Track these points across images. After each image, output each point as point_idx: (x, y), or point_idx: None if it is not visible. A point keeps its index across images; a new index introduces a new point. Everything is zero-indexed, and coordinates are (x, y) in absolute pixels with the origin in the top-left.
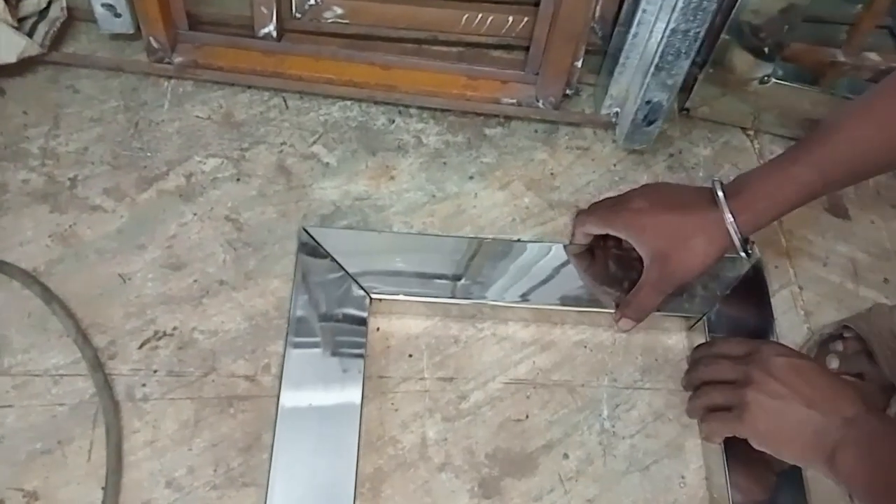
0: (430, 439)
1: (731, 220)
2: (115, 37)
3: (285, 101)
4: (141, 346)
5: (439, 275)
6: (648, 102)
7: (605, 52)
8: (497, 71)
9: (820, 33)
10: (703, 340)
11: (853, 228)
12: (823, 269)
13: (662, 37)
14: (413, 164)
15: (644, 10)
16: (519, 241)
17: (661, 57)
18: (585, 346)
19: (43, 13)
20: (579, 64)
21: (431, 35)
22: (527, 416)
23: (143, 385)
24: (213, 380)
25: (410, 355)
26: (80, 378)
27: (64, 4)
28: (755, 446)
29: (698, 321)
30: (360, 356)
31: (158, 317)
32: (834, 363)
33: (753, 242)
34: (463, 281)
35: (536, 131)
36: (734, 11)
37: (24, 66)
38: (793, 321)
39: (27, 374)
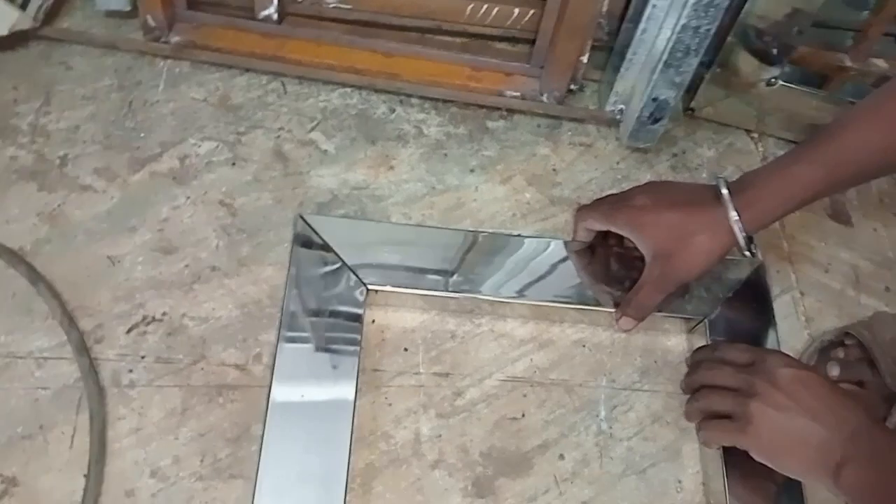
0: (423, 436)
1: (736, 217)
2: (111, 14)
3: (284, 85)
4: (129, 331)
5: (437, 268)
6: (655, 100)
7: (611, 48)
8: (501, 63)
9: (827, 38)
10: (703, 343)
11: (855, 235)
12: (825, 276)
13: (672, 33)
14: (413, 155)
15: (654, 6)
16: (519, 236)
17: (670, 53)
18: (584, 346)
19: None
20: (585, 59)
21: (435, 24)
22: (523, 415)
23: (130, 371)
24: (202, 368)
25: (406, 349)
26: (65, 362)
27: None
28: (756, 458)
29: (699, 323)
30: (355, 349)
31: (147, 301)
32: (835, 370)
33: (755, 245)
34: (461, 275)
35: (539, 126)
36: (742, 13)
37: (15, 39)
38: (793, 326)
39: (10, 355)
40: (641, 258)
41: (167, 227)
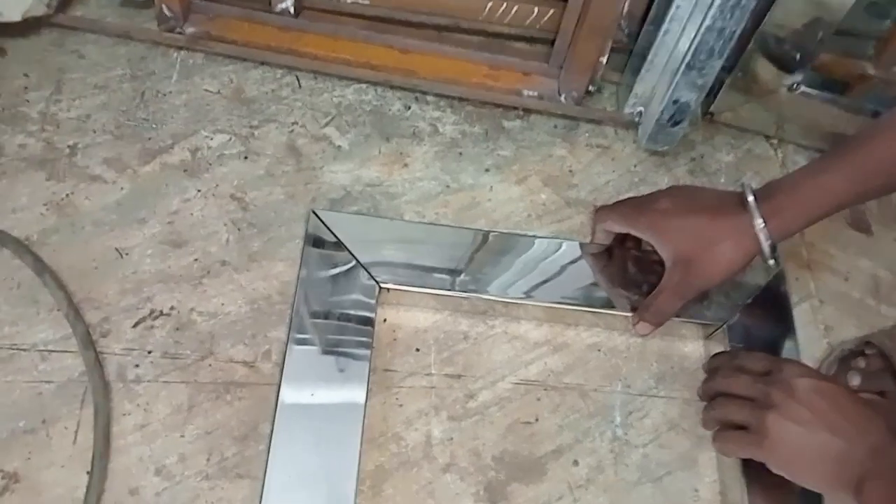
0: (434, 438)
1: (762, 225)
2: (126, 2)
3: (298, 80)
4: (135, 325)
5: (451, 267)
6: (676, 102)
7: (630, 50)
8: (520, 62)
9: (849, 46)
10: (721, 349)
11: (875, 244)
12: (845, 284)
13: (696, 34)
14: (428, 153)
15: (678, 7)
16: (534, 236)
17: (693, 55)
18: (599, 350)
19: None
20: (605, 60)
21: (453, 22)
22: (536, 419)
23: (136, 366)
24: (209, 364)
25: (417, 349)
26: (70, 355)
27: None
28: (774, 471)
29: (717, 329)
30: (367, 348)
31: (155, 295)
32: (855, 380)
33: (778, 254)
34: (475, 275)
35: (556, 127)
36: (766, 18)
37: (28, 26)
38: (812, 335)
39: (13, 347)
40: (660, 262)
41: (177, 220)
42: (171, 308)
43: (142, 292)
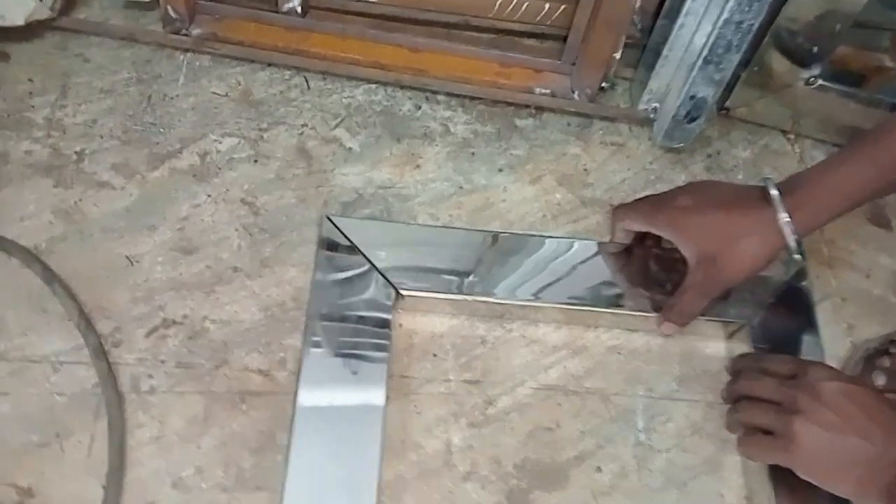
0: (454, 446)
1: (787, 219)
2: (130, 4)
3: (307, 80)
4: (148, 335)
5: (467, 271)
6: (692, 98)
7: (644, 45)
8: (531, 59)
9: (865, 38)
10: (743, 349)
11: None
12: (866, 281)
13: (713, 28)
14: (440, 154)
15: (694, 0)
16: (550, 237)
17: (710, 49)
18: (619, 353)
19: None
20: (618, 56)
21: (463, 19)
22: (557, 425)
23: (150, 376)
24: (224, 373)
25: (435, 355)
26: (82, 366)
27: None
28: (801, 477)
29: (739, 329)
30: (384, 354)
31: (167, 303)
32: (880, 380)
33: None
34: (491, 278)
35: (569, 125)
36: (783, 11)
37: (31, 30)
38: (835, 334)
39: (25, 359)
40: (682, 259)
41: (187, 226)
42: (184, 316)
43: (153, 301)
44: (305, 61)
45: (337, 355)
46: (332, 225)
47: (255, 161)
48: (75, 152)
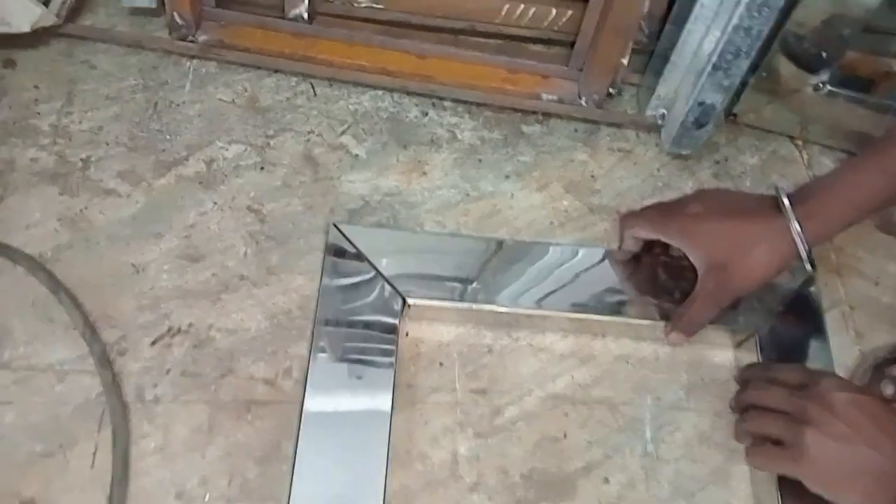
0: (461, 456)
1: (798, 228)
2: (136, 11)
3: (313, 87)
4: (153, 343)
5: (474, 279)
6: (701, 104)
7: (651, 50)
8: (539, 65)
9: (874, 43)
10: (752, 358)
11: None
12: (875, 289)
13: (722, 34)
14: (447, 160)
15: (702, 6)
16: (558, 245)
17: (719, 56)
18: (627, 361)
19: None
20: (626, 61)
21: (469, 25)
22: (565, 435)
23: (155, 385)
24: (230, 382)
25: (441, 364)
26: (87, 375)
27: None
28: (811, 489)
29: (748, 338)
30: (390, 363)
31: (173, 312)
32: (890, 389)
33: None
34: (499, 286)
35: (576, 131)
36: (792, 16)
37: (37, 37)
38: (843, 342)
39: (29, 368)
40: (691, 268)
41: (194, 234)
42: (190, 325)
43: (159, 309)
44: (312, 68)
45: (343, 364)
46: (338, 232)
47: (262, 168)
48: (81, 159)
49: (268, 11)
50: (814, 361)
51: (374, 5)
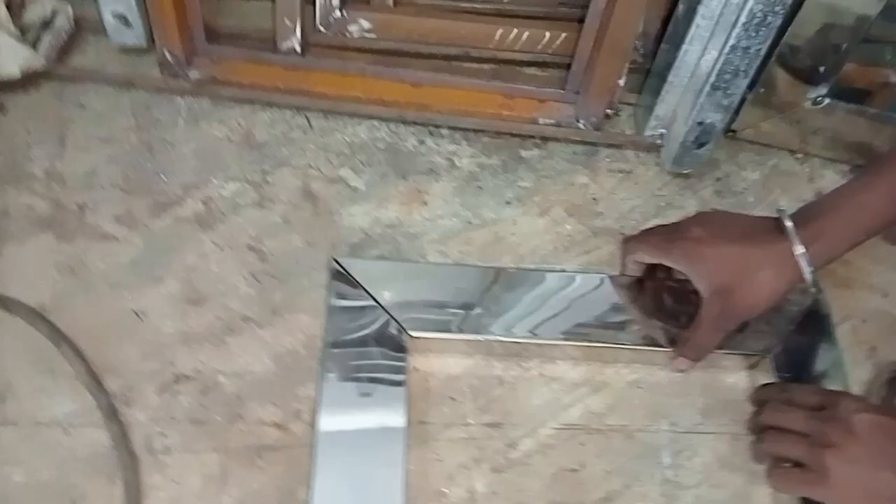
0: (478, 493)
1: (803, 251)
2: (126, 50)
3: (309, 120)
4: (160, 391)
5: (480, 309)
6: (700, 124)
7: (647, 70)
8: (535, 89)
9: (869, 53)
10: (766, 379)
11: None
12: (885, 301)
13: (720, 54)
14: (446, 189)
15: (698, 26)
16: (563, 271)
17: (717, 76)
18: (640, 387)
19: (48, 23)
20: (622, 82)
21: (463, 51)
22: (582, 466)
23: (164, 435)
24: (240, 428)
25: (453, 398)
26: (94, 428)
27: (71, 14)
28: None
29: (761, 359)
30: (401, 401)
31: (178, 358)
32: None
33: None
34: (506, 316)
35: (575, 153)
36: (788, 31)
37: (27, 80)
38: (856, 356)
39: (34, 423)
40: (695, 291)
41: (194, 276)
42: (196, 370)
43: (163, 356)
44: (307, 101)
45: (353, 404)
46: (340, 268)
47: (260, 205)
48: (76, 204)
49: (259, 45)
50: (829, 377)
51: (367, 35)
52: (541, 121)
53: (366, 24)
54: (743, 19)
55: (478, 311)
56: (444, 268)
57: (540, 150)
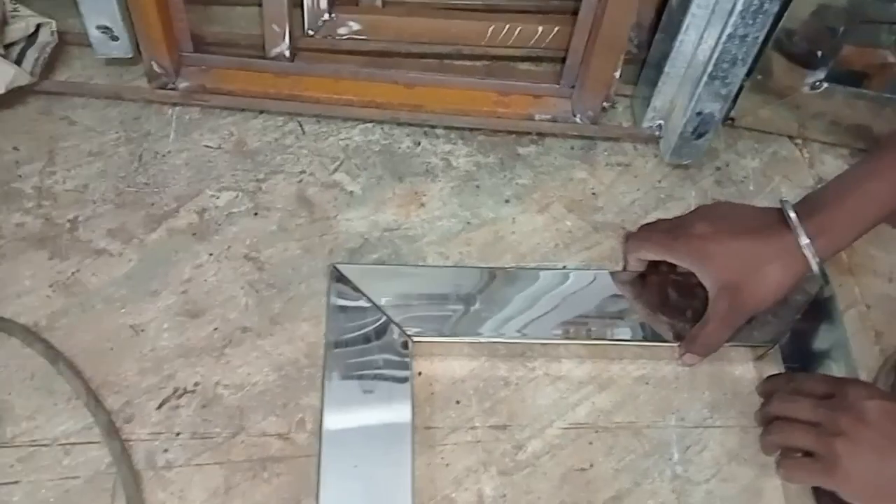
0: (487, 497)
1: (808, 243)
2: (112, 62)
3: (301, 125)
4: (160, 406)
5: (483, 311)
6: (699, 114)
7: (642, 61)
8: (530, 85)
9: (867, 34)
10: (774, 370)
11: None
12: (890, 286)
13: (717, 43)
14: (444, 189)
15: (693, 15)
16: (565, 268)
17: (715, 65)
18: (647, 383)
19: (31, 38)
20: (618, 74)
21: (455, 49)
22: (591, 465)
23: (165, 451)
24: (242, 441)
25: (458, 402)
26: (94, 446)
27: (54, 28)
28: (846, 500)
29: (769, 350)
30: (406, 406)
31: (177, 371)
32: None
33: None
34: (509, 316)
35: (573, 148)
36: (785, 17)
37: (13, 96)
38: (863, 343)
39: (33, 444)
40: (700, 284)
41: (191, 289)
42: (195, 384)
43: (162, 370)
44: (298, 106)
45: (357, 412)
46: (339, 274)
47: (256, 214)
48: (68, 220)
49: (248, 52)
50: (835, 365)
51: (356, 37)
52: (537, 117)
53: (355, 26)
54: (739, 7)
55: (480, 312)
56: (444, 270)
57: (537, 147)
